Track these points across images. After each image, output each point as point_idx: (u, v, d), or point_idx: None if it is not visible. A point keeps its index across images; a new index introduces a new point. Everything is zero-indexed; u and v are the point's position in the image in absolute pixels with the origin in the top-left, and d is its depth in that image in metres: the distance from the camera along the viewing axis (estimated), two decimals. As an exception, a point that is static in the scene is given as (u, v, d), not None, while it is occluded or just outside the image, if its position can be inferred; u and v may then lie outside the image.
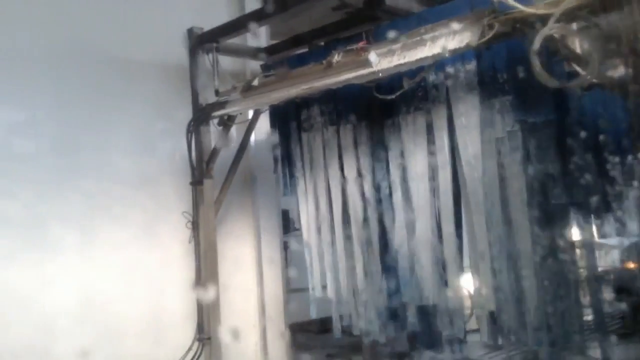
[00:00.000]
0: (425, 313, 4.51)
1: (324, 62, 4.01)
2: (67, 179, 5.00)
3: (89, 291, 5.04)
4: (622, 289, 6.33)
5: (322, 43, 4.91)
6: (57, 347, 4.78)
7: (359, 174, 4.82)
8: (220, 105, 5.04)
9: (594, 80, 3.07)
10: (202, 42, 5.26)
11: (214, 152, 5.29)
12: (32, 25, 4.96)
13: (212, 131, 5.33)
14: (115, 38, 5.28)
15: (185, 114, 5.34)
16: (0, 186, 4.69)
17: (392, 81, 4.08)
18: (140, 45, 5.39)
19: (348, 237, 4.97)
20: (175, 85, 5.51)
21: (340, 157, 4.93)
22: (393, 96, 4.13)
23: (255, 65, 5.80)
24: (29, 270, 4.76)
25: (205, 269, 5.31)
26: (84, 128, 5.14)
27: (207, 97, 5.27)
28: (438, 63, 3.90)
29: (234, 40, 5.44)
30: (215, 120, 5.27)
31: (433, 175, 4.30)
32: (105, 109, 5.24)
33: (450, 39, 3.41)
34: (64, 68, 5.05)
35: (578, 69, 3.11)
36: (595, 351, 4.26)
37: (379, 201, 4.73)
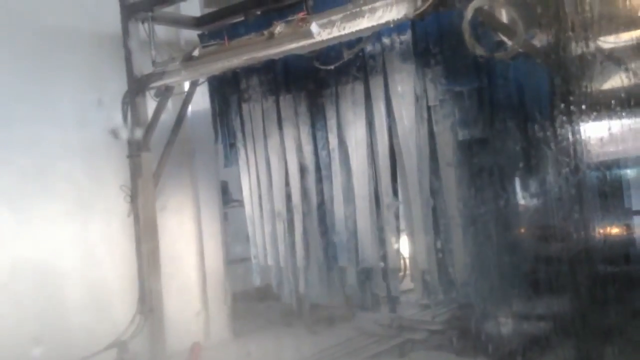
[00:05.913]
0: (362, 276, 4.72)
1: (266, 32, 4.04)
2: (-3, 154, 4.82)
3: (24, 268, 4.90)
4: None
5: (258, 12, 4.93)
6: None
7: (299, 144, 4.93)
8: (158, 75, 4.98)
9: (520, 50, 3.33)
10: (135, 10, 5.14)
11: (151, 124, 5.23)
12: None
13: (149, 103, 5.26)
14: (44, 6, 5.03)
15: (120, 85, 5.22)
16: None
17: (331, 51, 4.20)
18: (71, 13, 5.16)
19: (288, 206, 5.09)
20: (109, 56, 5.35)
21: (280, 127, 5.02)
22: (332, 67, 4.26)
23: (188, 34, 5.72)
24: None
25: (146, 242, 5.28)
26: (14, 101, 4.90)
27: (142, 68, 5.18)
28: (376, 34, 4.05)
29: (167, 10, 5.35)
30: (152, 92, 5.20)
31: (371, 143, 4.48)
32: (36, 81, 5.02)
33: (388, 10, 3.56)
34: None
35: (505, 39, 3.36)
36: (517, 305, 4.60)
37: (318, 170, 4.86)
